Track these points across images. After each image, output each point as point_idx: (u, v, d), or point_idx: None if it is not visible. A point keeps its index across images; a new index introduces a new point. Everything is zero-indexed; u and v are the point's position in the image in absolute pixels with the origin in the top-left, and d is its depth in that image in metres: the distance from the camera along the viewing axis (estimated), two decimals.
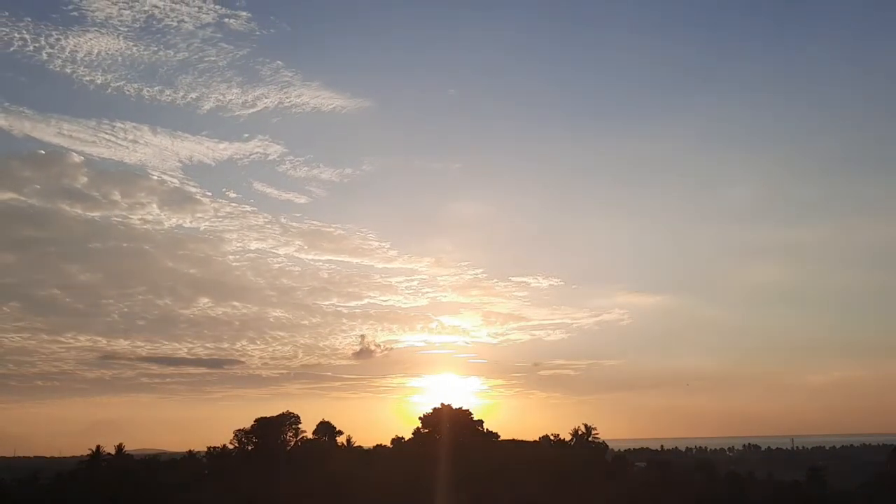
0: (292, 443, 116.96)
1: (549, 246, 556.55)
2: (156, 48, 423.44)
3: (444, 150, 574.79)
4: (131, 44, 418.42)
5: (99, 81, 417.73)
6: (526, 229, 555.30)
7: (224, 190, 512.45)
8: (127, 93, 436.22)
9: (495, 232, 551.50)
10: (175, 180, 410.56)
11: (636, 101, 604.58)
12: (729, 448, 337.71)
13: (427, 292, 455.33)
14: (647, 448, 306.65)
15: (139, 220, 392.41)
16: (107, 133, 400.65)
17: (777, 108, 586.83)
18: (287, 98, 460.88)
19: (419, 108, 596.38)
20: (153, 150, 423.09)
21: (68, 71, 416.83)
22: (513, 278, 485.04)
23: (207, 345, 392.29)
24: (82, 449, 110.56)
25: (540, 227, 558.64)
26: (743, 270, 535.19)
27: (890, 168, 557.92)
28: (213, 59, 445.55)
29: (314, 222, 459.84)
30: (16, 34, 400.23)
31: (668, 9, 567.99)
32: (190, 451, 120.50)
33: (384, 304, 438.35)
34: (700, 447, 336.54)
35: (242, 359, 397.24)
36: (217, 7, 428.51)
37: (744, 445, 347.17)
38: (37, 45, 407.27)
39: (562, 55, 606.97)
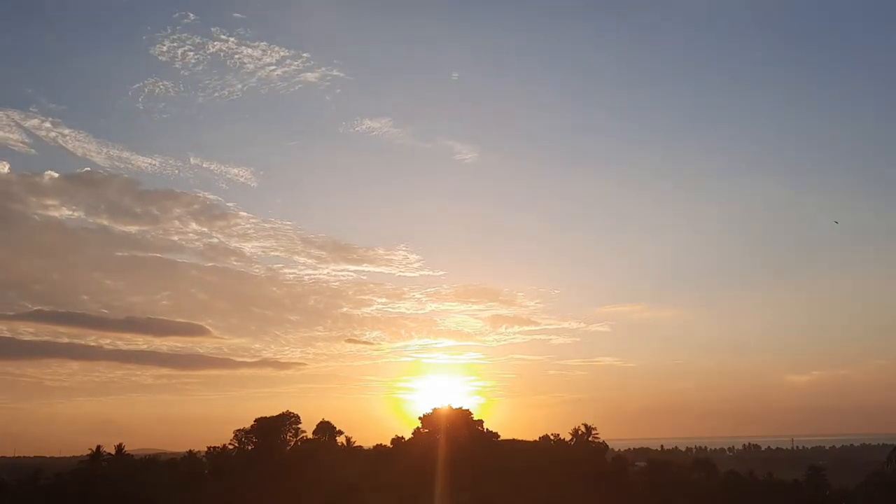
0: (292, 443, 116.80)
1: (554, 256, 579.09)
2: (212, 90, 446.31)
3: (463, 169, 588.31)
4: (189, 86, 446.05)
5: (157, 119, 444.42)
6: (533, 241, 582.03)
7: (257, 207, 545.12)
8: (179, 126, 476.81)
9: (504, 243, 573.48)
10: (213, 197, 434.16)
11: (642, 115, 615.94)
12: (729, 448, 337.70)
13: (435, 298, 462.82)
14: (647, 448, 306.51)
15: (174, 231, 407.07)
16: (157, 157, 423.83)
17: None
18: (329, 128, 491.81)
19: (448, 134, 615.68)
20: (198, 173, 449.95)
21: (128, 111, 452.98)
22: (519, 286, 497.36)
23: (219, 346, 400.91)
24: (83, 449, 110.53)
25: (546, 239, 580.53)
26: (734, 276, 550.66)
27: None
28: (264, 96, 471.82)
29: (332, 234, 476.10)
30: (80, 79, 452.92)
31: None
32: (190, 451, 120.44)
33: (394, 310, 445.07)
34: (700, 447, 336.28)
35: (252, 360, 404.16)
36: (281, 49, 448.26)
37: (744, 445, 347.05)
38: (105, 90, 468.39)
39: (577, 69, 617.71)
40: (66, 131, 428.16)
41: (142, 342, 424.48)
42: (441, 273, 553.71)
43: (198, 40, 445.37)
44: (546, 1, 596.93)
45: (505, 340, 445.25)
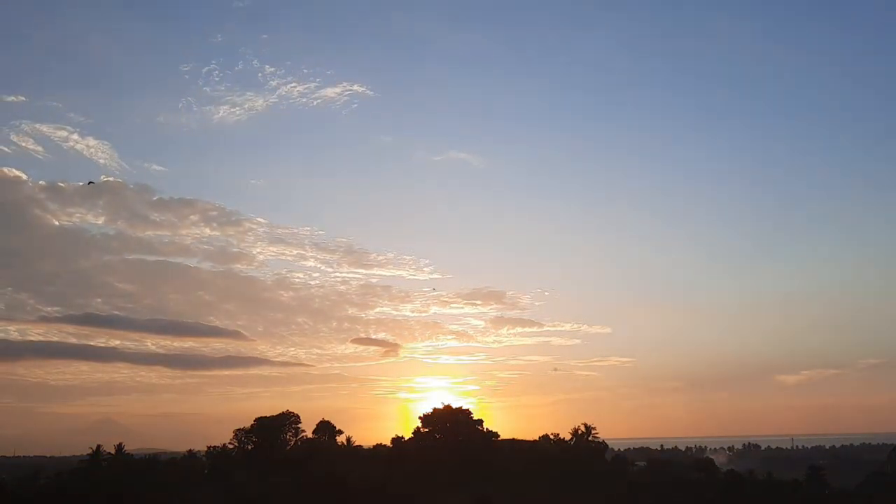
0: (292, 442, 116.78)
1: (557, 260, 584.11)
2: (233, 104, 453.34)
3: (471, 179, 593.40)
4: (212, 101, 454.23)
5: (178, 130, 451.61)
6: (536, 246, 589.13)
7: (272, 214, 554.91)
8: (199, 138, 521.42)
9: (508, 248, 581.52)
10: (229, 205, 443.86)
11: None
12: (729, 448, 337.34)
13: (440, 301, 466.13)
14: (647, 448, 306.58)
15: (189, 236, 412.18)
16: (176, 167, 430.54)
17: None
18: (346, 141, 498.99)
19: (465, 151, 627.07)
20: (215, 182, 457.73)
21: (150, 123, 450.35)
22: (522, 288, 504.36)
23: (226, 347, 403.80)
24: (83, 448, 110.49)
25: (549, 244, 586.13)
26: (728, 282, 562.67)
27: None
28: (284, 110, 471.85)
29: (346, 240, 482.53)
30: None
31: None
32: (190, 450, 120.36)
33: (399, 312, 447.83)
34: (700, 447, 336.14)
35: (258, 360, 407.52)
36: (304, 67, 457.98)
37: (744, 445, 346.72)
38: (129, 103, 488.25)
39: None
40: (91, 142, 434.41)
41: (150, 343, 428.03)
42: (448, 276, 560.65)
43: (222, 59, 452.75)
44: (548, 24, 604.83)
45: (507, 342, 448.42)
